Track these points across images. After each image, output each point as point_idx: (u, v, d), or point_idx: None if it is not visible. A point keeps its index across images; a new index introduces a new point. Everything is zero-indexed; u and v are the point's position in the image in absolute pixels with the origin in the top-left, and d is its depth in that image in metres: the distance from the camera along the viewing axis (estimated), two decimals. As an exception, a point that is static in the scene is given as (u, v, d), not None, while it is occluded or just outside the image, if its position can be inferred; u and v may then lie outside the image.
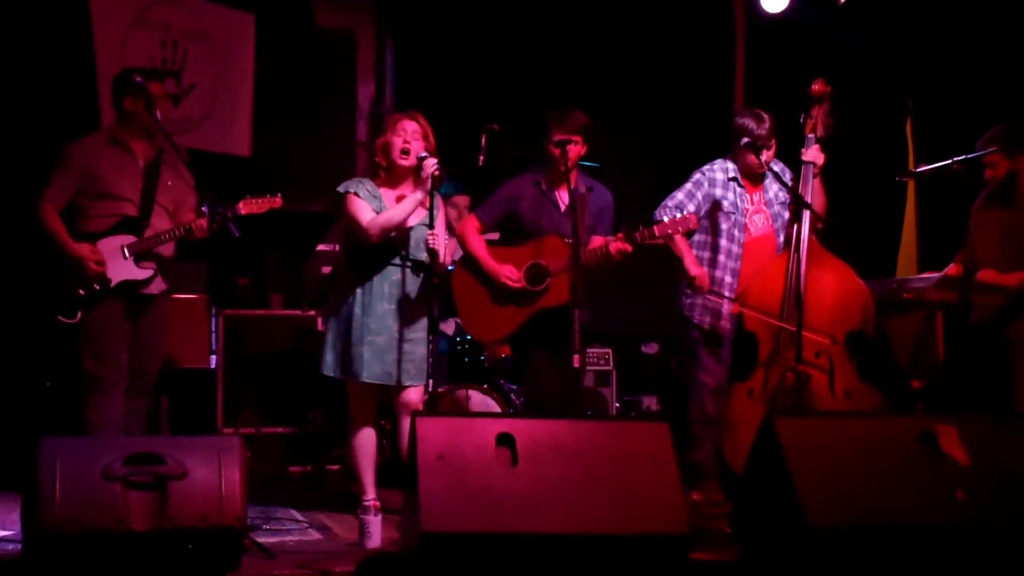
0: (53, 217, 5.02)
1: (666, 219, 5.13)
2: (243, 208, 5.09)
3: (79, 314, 4.99)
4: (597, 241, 5.22)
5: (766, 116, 5.43)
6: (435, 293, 5.04)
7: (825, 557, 3.73)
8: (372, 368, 4.88)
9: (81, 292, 4.98)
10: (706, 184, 5.48)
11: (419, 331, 4.96)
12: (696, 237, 5.53)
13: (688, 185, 5.51)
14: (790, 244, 5.26)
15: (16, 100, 6.41)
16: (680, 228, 5.12)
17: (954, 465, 3.92)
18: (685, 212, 5.30)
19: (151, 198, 5.11)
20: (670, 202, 5.46)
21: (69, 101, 6.53)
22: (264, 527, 4.81)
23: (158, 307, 5.19)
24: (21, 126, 6.38)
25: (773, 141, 5.41)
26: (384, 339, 4.90)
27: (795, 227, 5.26)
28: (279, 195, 5.17)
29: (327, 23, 7.97)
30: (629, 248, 5.13)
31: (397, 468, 5.51)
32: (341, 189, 4.99)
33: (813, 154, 5.30)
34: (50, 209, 5.03)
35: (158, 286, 5.15)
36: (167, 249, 5.15)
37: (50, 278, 5.02)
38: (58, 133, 5.33)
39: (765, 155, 5.36)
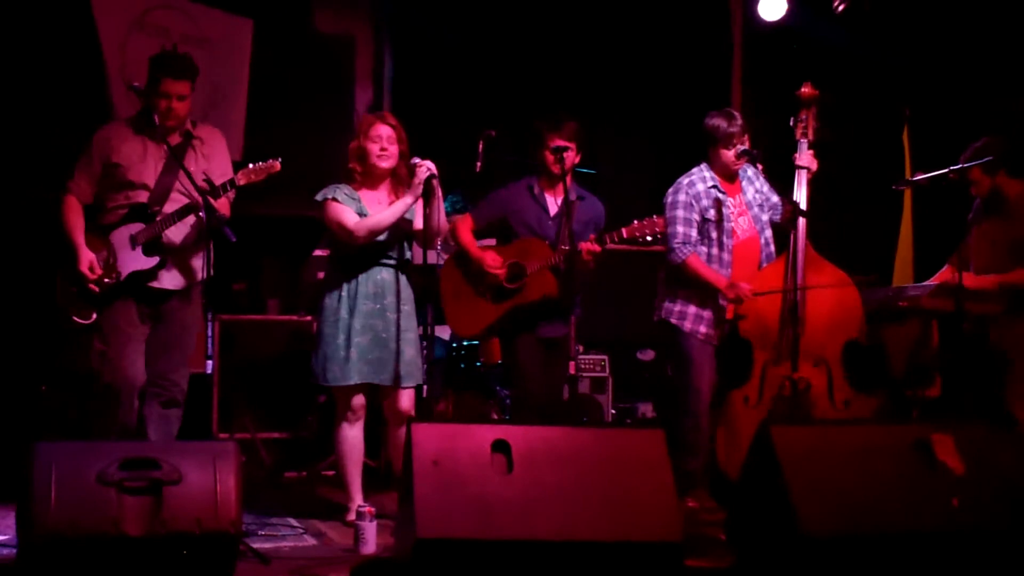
0: (71, 210, 4.90)
1: (635, 223, 5.22)
2: (241, 178, 4.82)
3: (93, 316, 4.86)
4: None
5: (736, 114, 5.49)
6: (425, 294, 5.08)
7: (820, 565, 3.73)
8: (359, 369, 4.90)
9: (95, 289, 4.84)
10: (694, 203, 5.44)
11: (409, 332, 4.98)
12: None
13: (680, 212, 5.43)
14: (788, 250, 5.29)
15: (27, 100, 6.42)
16: (647, 231, 5.20)
17: (949, 473, 3.93)
18: (691, 240, 5.37)
19: (169, 184, 4.90)
20: (676, 240, 5.40)
21: (80, 100, 6.54)
22: (259, 533, 4.80)
23: (180, 307, 4.97)
24: (30, 127, 6.40)
25: (746, 138, 5.43)
26: (368, 339, 4.92)
27: (791, 235, 5.28)
28: (279, 160, 4.87)
29: (326, 28, 7.97)
30: (598, 248, 5.23)
31: (390, 472, 5.54)
32: (319, 197, 5.02)
33: (807, 159, 5.32)
34: (71, 201, 4.92)
35: (174, 281, 4.94)
36: (188, 238, 4.88)
37: (70, 275, 4.86)
38: (70, 132, 5.25)
39: (739, 148, 5.38)
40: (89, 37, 6.71)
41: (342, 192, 5.01)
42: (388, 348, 4.93)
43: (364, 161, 5.01)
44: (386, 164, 5.00)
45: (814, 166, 5.33)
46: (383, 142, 4.98)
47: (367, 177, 5.03)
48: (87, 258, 4.86)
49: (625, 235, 5.24)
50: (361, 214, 4.97)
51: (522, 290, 5.39)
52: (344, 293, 4.97)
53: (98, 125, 5.09)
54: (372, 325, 4.94)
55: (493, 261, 5.44)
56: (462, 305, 5.53)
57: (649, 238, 5.25)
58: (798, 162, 5.32)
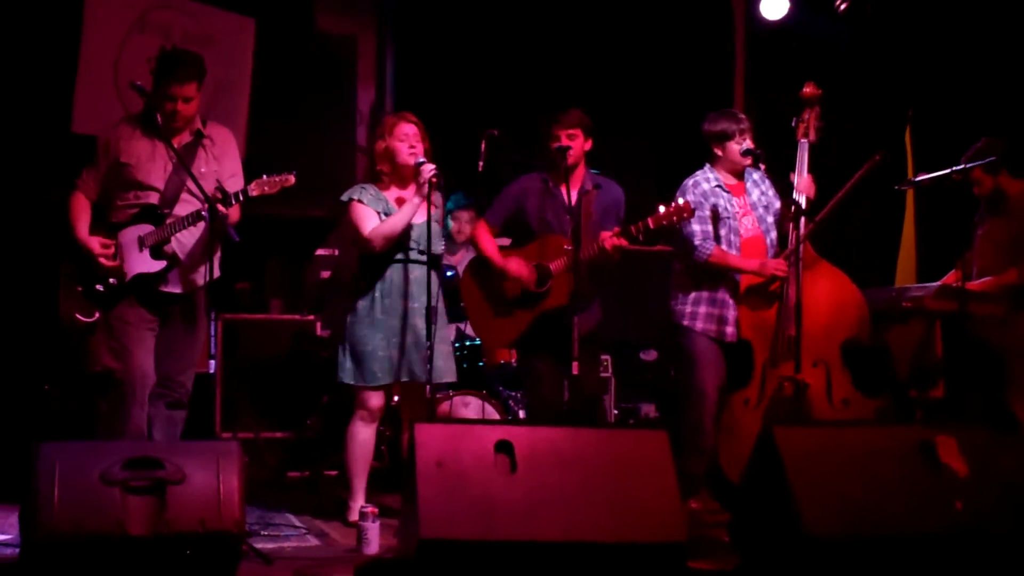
0: (77, 206, 4.88)
1: (662, 210, 5.08)
2: (255, 189, 4.75)
3: (97, 314, 4.83)
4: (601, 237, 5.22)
5: (738, 111, 5.50)
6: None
7: (823, 566, 3.73)
8: (396, 369, 4.90)
9: (99, 287, 4.83)
10: (704, 200, 5.40)
11: (444, 327, 5.01)
12: None
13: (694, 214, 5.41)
14: (785, 249, 5.29)
15: (27, 100, 6.42)
16: (675, 217, 5.08)
17: (953, 475, 3.93)
18: (710, 235, 5.33)
19: (179, 187, 4.86)
20: (697, 239, 5.34)
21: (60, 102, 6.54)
22: (262, 533, 4.81)
23: (186, 310, 4.95)
24: (32, 127, 6.40)
25: (750, 137, 5.43)
26: (411, 338, 4.92)
27: (791, 233, 5.28)
28: (293, 173, 4.79)
29: (328, 28, 7.98)
30: (625, 243, 5.11)
31: (393, 472, 5.54)
32: (344, 198, 5.02)
33: (805, 184, 5.30)
34: (78, 198, 4.89)
35: (181, 284, 4.90)
36: (197, 243, 4.85)
37: (77, 273, 4.85)
38: (72, 132, 5.22)
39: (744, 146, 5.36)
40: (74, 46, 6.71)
41: (368, 193, 5.01)
42: (429, 346, 4.83)
43: (392, 161, 5.01)
44: (416, 162, 4.97)
45: (811, 193, 5.32)
46: (411, 140, 4.99)
47: (395, 177, 5.04)
48: (96, 239, 4.83)
49: (652, 225, 5.06)
50: (387, 214, 4.98)
51: (550, 293, 5.26)
52: (377, 295, 4.97)
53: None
54: (412, 324, 4.94)
55: (519, 268, 5.29)
56: (490, 314, 5.36)
57: (678, 225, 5.18)
58: (797, 188, 5.30)
